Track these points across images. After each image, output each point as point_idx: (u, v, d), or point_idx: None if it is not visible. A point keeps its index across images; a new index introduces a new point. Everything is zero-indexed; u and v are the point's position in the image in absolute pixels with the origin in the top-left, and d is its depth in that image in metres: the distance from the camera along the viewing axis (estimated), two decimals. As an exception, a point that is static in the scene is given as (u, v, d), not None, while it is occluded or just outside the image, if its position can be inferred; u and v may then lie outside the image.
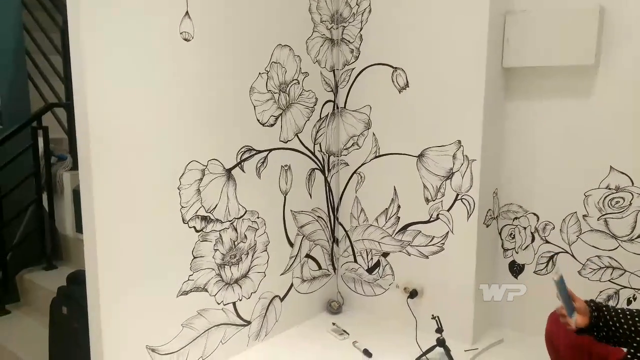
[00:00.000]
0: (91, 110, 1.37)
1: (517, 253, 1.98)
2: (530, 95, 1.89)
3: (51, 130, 2.56)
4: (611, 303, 1.79)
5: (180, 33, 1.54)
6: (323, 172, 2.15)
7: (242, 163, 1.78)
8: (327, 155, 2.16)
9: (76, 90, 1.39)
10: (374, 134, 2.09)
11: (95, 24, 1.35)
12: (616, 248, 1.77)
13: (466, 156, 1.83)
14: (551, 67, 1.80)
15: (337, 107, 2.18)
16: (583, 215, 1.82)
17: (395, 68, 1.99)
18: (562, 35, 1.74)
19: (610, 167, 1.74)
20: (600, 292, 1.81)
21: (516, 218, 1.96)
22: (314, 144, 2.09)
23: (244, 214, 1.80)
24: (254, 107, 1.81)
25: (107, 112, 1.40)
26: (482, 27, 1.75)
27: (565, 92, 1.81)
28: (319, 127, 2.10)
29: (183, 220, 1.60)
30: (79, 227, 2.38)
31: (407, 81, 1.97)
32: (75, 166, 2.60)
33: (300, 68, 1.98)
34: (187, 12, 1.55)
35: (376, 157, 2.10)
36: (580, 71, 1.76)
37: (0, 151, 2.35)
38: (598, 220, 1.79)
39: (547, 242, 1.91)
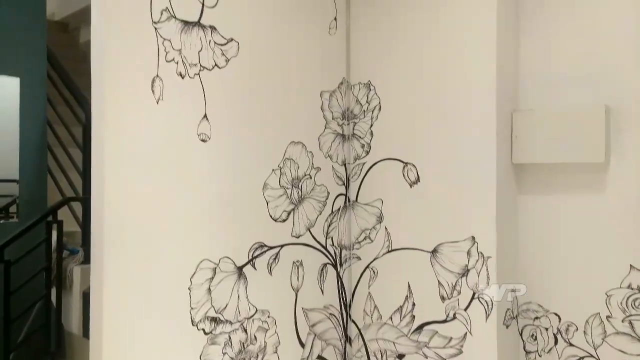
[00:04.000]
0: (107, 205, 1.39)
1: (540, 356, 1.88)
2: (543, 190, 1.89)
3: (65, 223, 2.59)
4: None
5: (198, 134, 1.60)
6: (335, 267, 2.12)
7: (254, 260, 1.77)
8: (339, 249, 2.14)
9: (94, 184, 1.43)
10: (386, 228, 2.08)
11: (119, 121, 1.40)
12: (645, 351, 1.68)
13: (481, 253, 1.80)
14: (561, 164, 1.82)
15: (349, 201, 2.20)
16: (607, 317, 1.74)
17: (406, 163, 2.02)
18: (569, 133, 1.77)
19: (630, 265, 1.69)
20: (633, 400, 1.69)
21: (537, 318, 1.88)
22: (326, 238, 2.08)
23: (254, 314, 1.75)
24: (267, 202, 1.82)
25: (122, 208, 1.42)
26: (490, 125, 1.79)
27: (578, 188, 1.81)
28: (331, 220, 2.10)
29: (192, 321, 1.55)
30: (86, 332, 2.32)
31: (418, 176, 1.98)
32: (86, 260, 2.59)
33: (312, 163, 2.02)
34: (205, 115, 1.61)
35: (389, 251, 2.07)
36: (591, 168, 1.77)
37: (14, 246, 2.37)
38: (622, 322, 1.71)
39: (571, 344, 1.81)
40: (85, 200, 2.55)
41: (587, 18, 1.78)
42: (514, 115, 1.87)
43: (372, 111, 2.14)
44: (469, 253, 1.83)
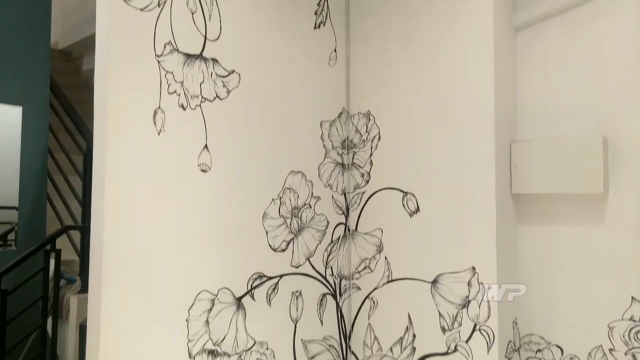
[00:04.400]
0: (107, 234, 1.39)
1: (543, 389, 1.85)
2: (544, 220, 1.89)
3: (63, 251, 2.58)
4: None
5: (199, 165, 1.60)
6: (334, 297, 2.10)
7: (253, 290, 1.75)
8: (338, 279, 2.13)
9: (94, 213, 1.43)
10: (386, 258, 2.07)
11: (120, 151, 1.41)
12: (650, 385, 1.65)
13: (481, 283, 1.79)
14: (561, 194, 1.82)
15: (349, 230, 2.19)
16: (609, 349, 1.72)
17: (406, 193, 2.03)
18: (568, 164, 1.77)
19: (632, 297, 1.68)
20: None
21: (539, 350, 1.86)
22: (326, 268, 2.07)
23: (252, 345, 1.73)
24: (267, 232, 1.82)
25: (122, 237, 1.42)
26: (489, 155, 1.80)
27: (578, 218, 1.81)
28: (331, 250, 2.10)
29: (189, 354, 1.53)
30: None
31: (418, 206, 1.99)
32: (83, 289, 2.57)
33: (312, 192, 2.03)
34: (205, 145, 1.62)
35: (389, 281, 2.05)
36: (590, 199, 1.77)
37: (12, 274, 2.35)
38: (625, 354, 1.69)
39: (575, 377, 1.79)
40: (84, 228, 2.54)
41: (585, 51, 1.81)
42: (513, 146, 1.88)
43: (372, 141, 2.15)
44: (469, 284, 1.82)
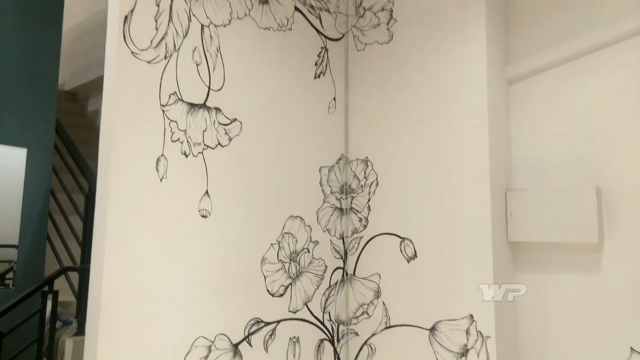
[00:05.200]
0: (106, 277, 1.40)
1: None
2: (540, 268, 1.90)
3: (60, 292, 2.57)
4: None
5: (199, 210, 1.63)
6: (332, 342, 2.09)
7: (250, 337, 1.75)
8: (336, 324, 2.12)
9: (94, 255, 1.44)
10: (383, 303, 2.07)
11: (122, 195, 1.44)
12: None
13: (480, 332, 1.78)
14: (557, 243, 1.84)
15: (347, 274, 2.20)
16: (610, 401, 1.70)
17: (403, 238, 2.04)
18: (563, 213, 1.80)
19: (631, 348, 1.67)
20: None
21: (539, 401, 1.84)
22: (323, 313, 2.06)
23: (249, 394, 1.71)
24: (265, 277, 1.83)
25: (120, 280, 1.43)
26: (484, 203, 1.83)
27: (574, 267, 1.83)
28: (329, 295, 2.10)
29: (185, 403, 1.52)
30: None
31: (415, 252, 2.00)
32: (79, 331, 2.55)
33: (310, 237, 2.05)
34: (206, 191, 1.66)
35: (387, 327, 2.04)
36: (586, 248, 1.79)
37: (8, 315, 2.34)
38: (627, 407, 1.67)
39: None
40: (82, 270, 2.54)
41: (577, 103, 1.87)
42: (508, 194, 1.92)
43: (370, 186, 2.19)
44: (467, 332, 1.81)
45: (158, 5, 1.51)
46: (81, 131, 4.26)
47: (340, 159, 2.24)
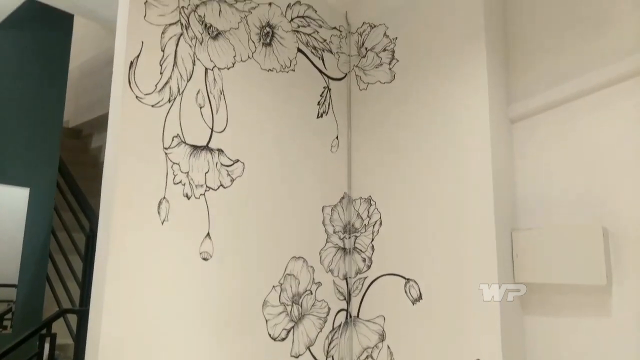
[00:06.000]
0: (105, 319, 1.37)
1: None
2: (548, 311, 1.85)
3: (58, 334, 2.52)
4: None
5: (200, 253, 1.61)
6: (336, 389, 2.03)
7: (251, 384, 1.69)
8: (340, 369, 2.06)
9: (94, 297, 1.41)
10: (388, 347, 2.01)
11: (124, 238, 1.42)
12: None
13: (488, 378, 1.73)
14: (564, 285, 1.80)
15: (350, 316, 2.15)
16: None
17: (408, 279, 2.01)
18: (569, 254, 1.77)
19: (645, 395, 1.62)
20: None
21: None
22: (327, 357, 2.01)
23: None
24: (266, 321, 1.79)
25: (120, 323, 1.40)
26: (490, 243, 1.80)
27: (583, 309, 1.78)
28: (332, 338, 2.05)
29: None
30: None
31: (420, 293, 1.96)
32: (76, 375, 2.48)
33: (313, 278, 2.01)
34: (208, 233, 1.64)
35: (392, 372, 1.99)
36: (594, 290, 1.75)
37: (5, 359, 2.29)
38: None
39: None
40: (81, 312, 2.50)
41: (581, 142, 1.86)
42: (514, 234, 1.89)
43: (373, 225, 2.16)
44: (475, 378, 1.76)
45: (163, 51, 1.53)
46: (84, 168, 4.27)
47: (343, 198, 2.22)
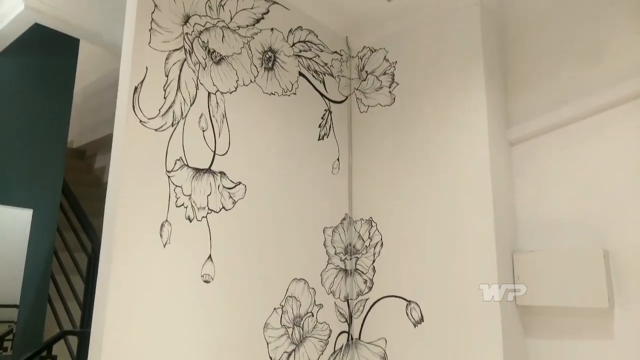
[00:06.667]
0: (106, 341, 1.37)
1: None
2: (549, 333, 1.85)
3: (59, 355, 2.51)
4: None
5: (202, 276, 1.61)
6: (338, 413, 2.01)
7: (252, 408, 1.68)
8: (341, 392, 2.04)
9: (95, 319, 1.41)
10: (391, 370, 2.00)
11: (126, 260, 1.43)
12: None
13: (491, 402, 1.71)
14: (566, 308, 1.80)
15: (352, 339, 2.14)
16: None
17: (409, 301, 2.00)
18: (571, 277, 1.77)
19: (650, 420, 1.60)
20: None
21: None
22: (328, 381, 1.99)
23: None
24: (267, 343, 1.78)
25: (121, 345, 1.40)
26: (491, 266, 1.81)
27: (585, 332, 1.78)
28: (333, 361, 2.03)
29: None
30: None
31: (422, 315, 1.96)
32: (76, 398, 2.46)
33: (314, 300, 2.01)
34: (210, 256, 1.64)
35: (394, 396, 1.97)
36: (596, 313, 1.75)
37: (3, 383, 2.27)
38: None
39: None
40: (82, 334, 2.49)
41: (580, 165, 1.88)
42: (515, 256, 1.89)
43: (374, 247, 2.17)
44: (478, 402, 1.74)
45: (167, 76, 1.56)
46: (87, 188, 4.29)
47: (344, 219, 2.23)
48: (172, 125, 1.57)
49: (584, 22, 1.94)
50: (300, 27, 2.13)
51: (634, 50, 1.82)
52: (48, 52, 2.92)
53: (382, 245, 2.15)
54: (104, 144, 4.62)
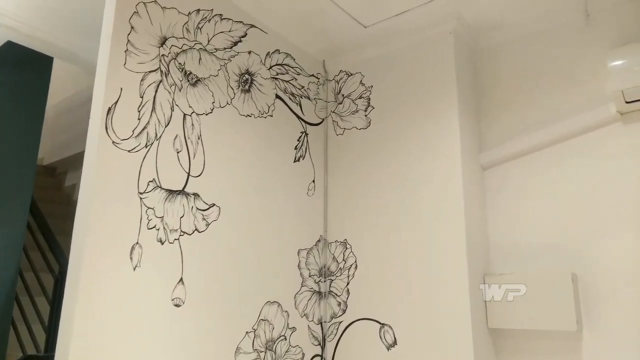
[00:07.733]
0: None
1: None
2: (521, 357, 1.87)
3: (21, 382, 2.41)
4: None
5: (172, 299, 1.58)
6: None
7: None
8: (314, 418, 2.01)
9: (60, 343, 1.36)
10: (364, 395, 1.98)
11: (94, 283, 1.39)
12: None
13: None
14: (535, 331, 1.82)
15: (325, 363, 2.12)
16: None
17: (383, 324, 2.00)
18: (540, 300, 1.80)
19: None
20: None
21: None
22: (301, 406, 1.96)
23: None
24: (239, 368, 1.75)
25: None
26: (463, 289, 1.82)
27: (555, 355, 1.80)
28: (306, 385, 2.01)
29: None
30: None
31: (395, 339, 1.96)
32: None
33: (287, 323, 1.99)
34: (181, 279, 1.62)
35: (367, 421, 1.95)
36: (565, 336, 1.78)
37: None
38: None
39: None
40: (46, 358, 2.40)
41: (551, 190, 1.93)
42: (486, 279, 1.92)
43: (349, 269, 2.17)
44: None
45: (142, 97, 1.55)
46: (57, 205, 4.19)
47: (319, 241, 2.23)
48: (146, 146, 1.55)
49: (555, 50, 2.02)
50: (277, 50, 2.15)
51: (600, 78, 1.89)
52: (21, 69, 2.87)
53: (356, 267, 2.15)
54: (75, 161, 4.53)
